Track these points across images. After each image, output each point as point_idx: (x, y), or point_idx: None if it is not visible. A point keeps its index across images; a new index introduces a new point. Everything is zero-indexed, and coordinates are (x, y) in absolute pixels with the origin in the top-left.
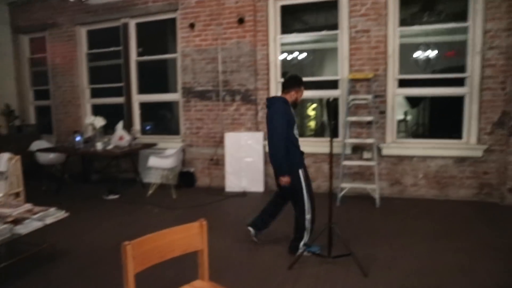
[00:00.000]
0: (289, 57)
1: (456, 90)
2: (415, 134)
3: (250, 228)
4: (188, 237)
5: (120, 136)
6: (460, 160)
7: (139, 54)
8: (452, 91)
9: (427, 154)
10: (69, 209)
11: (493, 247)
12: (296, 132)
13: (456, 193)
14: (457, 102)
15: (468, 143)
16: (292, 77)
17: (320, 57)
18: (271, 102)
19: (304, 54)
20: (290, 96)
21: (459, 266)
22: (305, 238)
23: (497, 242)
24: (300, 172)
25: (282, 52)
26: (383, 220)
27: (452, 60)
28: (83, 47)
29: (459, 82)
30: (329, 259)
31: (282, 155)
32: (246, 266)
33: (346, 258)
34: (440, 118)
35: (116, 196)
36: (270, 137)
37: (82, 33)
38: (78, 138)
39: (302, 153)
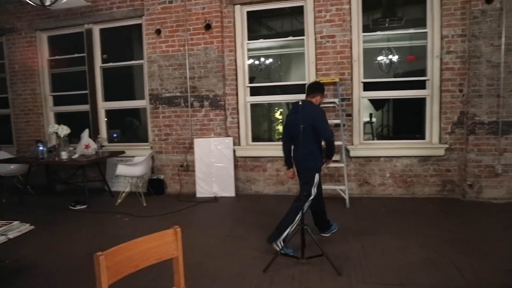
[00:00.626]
0: (257, 63)
1: (418, 93)
2: (381, 136)
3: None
4: (163, 244)
5: (86, 145)
6: (424, 159)
7: (104, 60)
8: (414, 93)
9: (393, 154)
10: (34, 221)
11: (458, 241)
12: None
13: (422, 191)
14: (418, 104)
15: (431, 143)
16: (318, 83)
17: (287, 62)
18: (305, 104)
19: (271, 60)
20: (316, 100)
21: (427, 260)
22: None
23: (461, 236)
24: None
25: (250, 57)
26: (354, 219)
27: (413, 64)
28: (45, 53)
29: (421, 85)
30: (303, 260)
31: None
32: (221, 271)
33: (319, 259)
34: (403, 120)
35: (83, 206)
36: (330, 136)
37: (43, 38)
38: (41, 148)
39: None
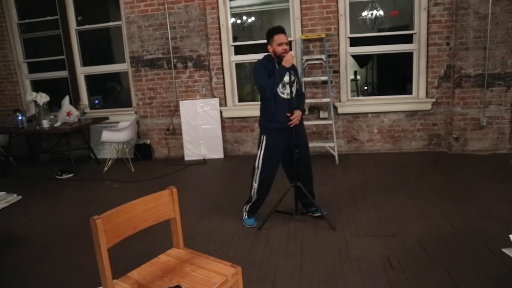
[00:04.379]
0: (239, 21)
1: (405, 47)
2: (366, 94)
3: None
4: (160, 205)
5: (68, 112)
6: (411, 114)
7: (80, 23)
8: (401, 48)
9: (381, 110)
10: (20, 192)
11: (445, 192)
12: (281, 90)
13: (409, 145)
14: (404, 60)
15: (418, 97)
16: (267, 32)
17: (270, 19)
18: None
19: (254, 18)
20: (272, 51)
21: (417, 210)
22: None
23: (448, 187)
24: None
25: (232, 16)
26: (344, 175)
27: (398, 19)
28: (13, 17)
29: (408, 39)
30: (297, 217)
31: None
32: (217, 231)
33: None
34: (389, 76)
35: (70, 175)
36: (260, 88)
37: (10, 1)
38: (20, 117)
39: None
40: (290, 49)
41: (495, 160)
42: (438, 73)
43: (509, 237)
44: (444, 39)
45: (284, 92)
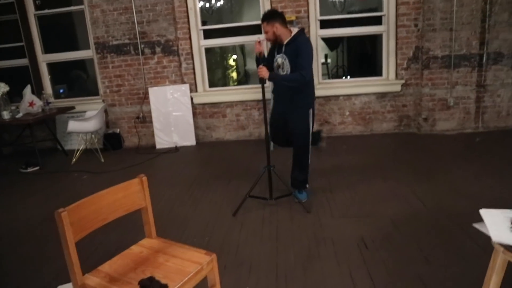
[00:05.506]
0: (207, 5)
1: (374, 29)
2: (336, 77)
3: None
4: (129, 195)
5: (30, 102)
6: (382, 95)
7: (38, 7)
8: (371, 30)
9: (352, 93)
10: None
11: (416, 172)
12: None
13: (380, 127)
14: (373, 42)
15: (387, 79)
16: (280, 13)
17: (240, 2)
18: None
19: (222, 1)
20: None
21: (389, 191)
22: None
23: (419, 167)
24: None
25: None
26: (317, 159)
27: (366, 1)
28: None
29: (377, 21)
30: (272, 201)
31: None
32: (191, 219)
33: (287, 198)
34: (359, 59)
35: (36, 168)
36: None
37: None
38: None
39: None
40: (260, 32)
41: (462, 139)
42: (407, 55)
43: (478, 212)
44: (412, 21)
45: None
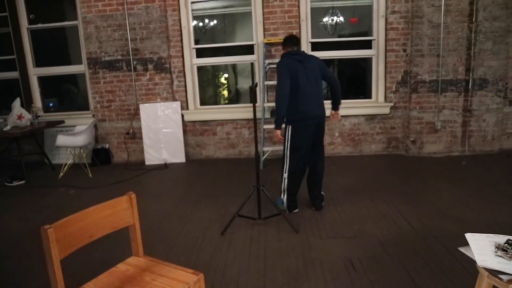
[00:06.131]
0: (201, 24)
1: (364, 52)
2: (327, 97)
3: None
4: (117, 212)
5: (19, 115)
6: (371, 117)
7: (32, 21)
8: (361, 53)
9: (342, 114)
10: None
11: (404, 193)
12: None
13: (369, 148)
14: (362, 65)
15: (377, 102)
16: (286, 37)
17: (233, 22)
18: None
19: (216, 21)
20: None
21: (378, 212)
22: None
23: (406, 188)
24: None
25: (194, 18)
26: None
27: (357, 26)
28: None
29: (367, 45)
30: (260, 221)
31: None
32: (178, 237)
33: (276, 218)
34: (348, 81)
35: (21, 182)
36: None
37: None
38: None
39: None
40: (252, 53)
41: (449, 162)
42: (396, 78)
43: (464, 236)
44: (401, 46)
45: None
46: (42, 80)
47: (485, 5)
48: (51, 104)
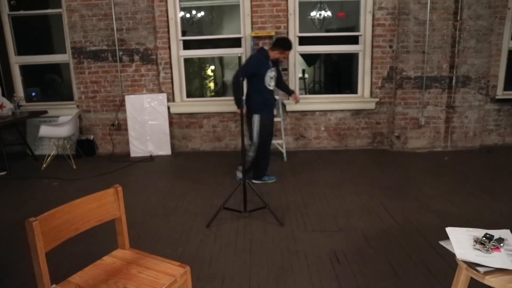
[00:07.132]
0: (188, 16)
1: (351, 48)
2: (313, 92)
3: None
4: (104, 205)
5: (0, 104)
6: (357, 112)
7: (13, 7)
8: (348, 49)
9: (328, 108)
10: None
11: (388, 187)
12: (268, 83)
13: (354, 143)
14: (349, 60)
15: (363, 97)
16: (281, 39)
17: (220, 15)
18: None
19: (203, 13)
20: (273, 54)
21: (362, 206)
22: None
23: (390, 183)
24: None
25: (181, 9)
26: (292, 172)
27: (345, 21)
28: None
29: (354, 40)
30: (246, 214)
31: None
32: (164, 230)
33: (261, 211)
34: (335, 75)
35: (3, 173)
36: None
37: None
38: None
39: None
40: (240, 46)
41: (432, 157)
42: (382, 74)
43: (445, 230)
44: (387, 42)
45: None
46: (24, 68)
47: (470, 3)
48: (33, 94)
